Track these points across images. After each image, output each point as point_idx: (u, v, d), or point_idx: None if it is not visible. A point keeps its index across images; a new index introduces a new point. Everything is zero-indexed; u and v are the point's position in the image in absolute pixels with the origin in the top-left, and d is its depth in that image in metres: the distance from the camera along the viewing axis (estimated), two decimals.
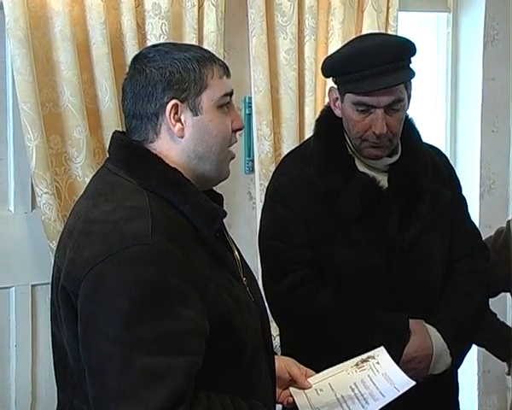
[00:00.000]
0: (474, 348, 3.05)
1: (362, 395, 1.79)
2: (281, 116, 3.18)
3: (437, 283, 2.35)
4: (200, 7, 2.96)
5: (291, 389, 1.88)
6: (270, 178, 2.48)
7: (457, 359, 2.34)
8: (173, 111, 1.60)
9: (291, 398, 1.86)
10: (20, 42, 2.61)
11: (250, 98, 3.19)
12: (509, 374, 2.74)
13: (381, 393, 1.78)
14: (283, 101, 3.16)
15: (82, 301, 1.50)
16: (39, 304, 2.90)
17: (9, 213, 2.91)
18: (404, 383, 1.81)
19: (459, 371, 2.47)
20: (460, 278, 2.37)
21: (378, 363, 1.90)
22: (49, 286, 1.70)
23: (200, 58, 1.63)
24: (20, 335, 2.90)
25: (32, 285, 2.88)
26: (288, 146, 3.12)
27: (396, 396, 1.77)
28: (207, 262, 1.59)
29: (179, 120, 1.61)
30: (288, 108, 3.16)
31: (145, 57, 1.63)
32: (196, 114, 1.62)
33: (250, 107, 3.20)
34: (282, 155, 2.95)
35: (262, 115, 3.12)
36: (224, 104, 1.65)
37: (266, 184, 2.56)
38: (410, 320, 2.25)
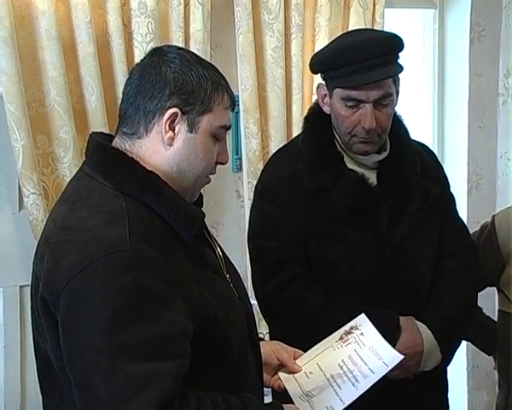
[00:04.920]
0: (464, 343, 3.06)
1: (351, 372, 1.79)
2: (268, 114, 3.18)
3: (426, 280, 2.35)
4: (187, 5, 2.96)
5: (280, 374, 1.88)
6: (258, 176, 2.48)
7: (447, 355, 2.34)
8: (171, 118, 1.58)
9: (281, 383, 1.86)
10: (4, 41, 2.60)
11: (237, 96, 3.18)
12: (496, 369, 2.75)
13: (370, 369, 1.78)
14: (270, 99, 3.16)
15: (62, 313, 1.48)
16: (28, 305, 2.85)
17: None
18: (392, 358, 1.81)
19: (448, 366, 2.47)
20: (449, 274, 2.37)
21: (362, 334, 1.90)
22: None
23: (216, 82, 1.62)
24: (8, 336, 2.89)
25: (21, 286, 2.87)
26: (275, 144, 3.13)
27: (386, 372, 1.77)
28: (188, 263, 1.58)
29: (173, 129, 1.59)
30: (275, 106, 3.16)
31: (165, 55, 1.62)
32: (191, 132, 1.60)
33: (237, 105, 3.19)
34: (270, 153, 2.95)
35: (249, 113, 3.12)
36: (219, 136, 1.65)
37: (254, 182, 2.56)
38: (400, 317, 2.25)
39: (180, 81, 1.58)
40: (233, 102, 1.67)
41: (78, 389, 1.47)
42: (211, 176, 1.71)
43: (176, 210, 1.58)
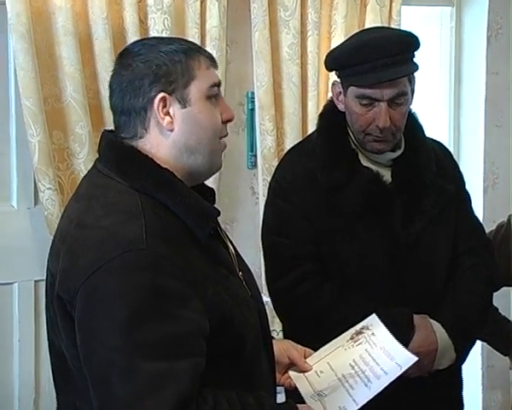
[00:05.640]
0: (479, 342, 3.05)
1: (363, 372, 1.77)
2: (283, 111, 3.17)
3: (441, 278, 2.34)
4: (203, 1, 2.96)
5: (291, 373, 1.87)
6: (272, 173, 2.48)
7: (462, 354, 2.33)
8: (161, 104, 1.58)
9: (292, 381, 1.86)
10: (22, 37, 2.61)
11: (253, 93, 3.18)
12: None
13: (382, 370, 1.76)
14: (286, 96, 3.16)
15: (79, 312, 1.48)
16: (42, 299, 2.84)
17: (12, 209, 2.91)
18: (406, 359, 1.79)
19: (463, 366, 2.46)
20: (464, 272, 2.36)
21: (373, 334, 1.88)
22: None
23: (187, 50, 1.61)
24: (23, 330, 2.90)
25: (35, 281, 2.88)
26: (290, 141, 3.12)
27: (399, 374, 1.75)
28: (203, 261, 1.57)
29: (168, 113, 1.59)
30: (290, 103, 3.15)
31: (130, 52, 1.61)
32: (185, 106, 1.59)
33: (253, 102, 3.19)
34: (285, 150, 2.94)
35: (265, 110, 3.11)
36: (213, 95, 1.63)
37: (269, 179, 2.56)
38: (414, 316, 2.24)
39: (153, 67, 1.57)
40: (212, 60, 1.66)
41: (94, 387, 1.47)
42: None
43: (191, 208, 1.57)
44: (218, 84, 1.65)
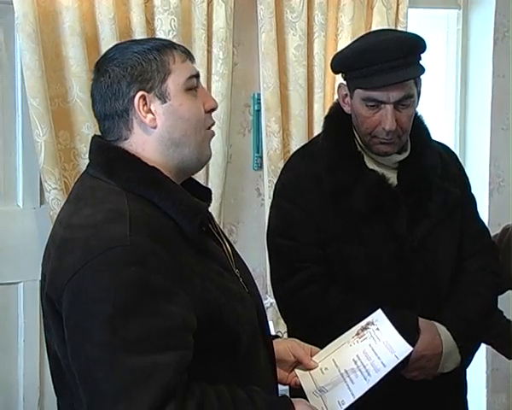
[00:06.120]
0: (483, 346, 3.04)
1: (364, 366, 1.79)
2: (289, 113, 3.17)
3: (446, 281, 2.33)
4: (210, 3, 2.97)
5: (297, 371, 1.88)
6: (278, 174, 2.48)
7: (467, 357, 2.33)
8: (142, 103, 1.60)
9: (298, 379, 1.87)
10: (29, 37, 2.62)
11: (259, 94, 3.19)
12: None
13: (382, 363, 1.78)
14: (292, 97, 3.16)
15: (66, 309, 1.50)
16: None
17: (18, 209, 2.92)
18: (402, 350, 1.81)
19: (468, 369, 2.46)
20: (469, 276, 2.36)
21: (378, 329, 1.90)
22: None
23: (159, 46, 1.63)
24: (28, 330, 2.90)
25: (40, 281, 2.88)
26: (296, 143, 3.12)
27: (395, 364, 1.77)
28: (193, 257, 1.58)
29: (149, 111, 1.61)
30: (296, 105, 3.16)
31: (105, 58, 1.64)
32: (165, 101, 1.62)
33: (259, 103, 3.20)
34: (291, 152, 2.95)
35: (271, 112, 3.11)
36: (192, 87, 1.65)
37: (275, 181, 2.56)
38: (420, 319, 2.24)
39: (128, 69, 1.60)
40: (188, 53, 1.68)
41: (82, 384, 1.49)
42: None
43: (178, 203, 1.59)
44: (196, 76, 1.67)
